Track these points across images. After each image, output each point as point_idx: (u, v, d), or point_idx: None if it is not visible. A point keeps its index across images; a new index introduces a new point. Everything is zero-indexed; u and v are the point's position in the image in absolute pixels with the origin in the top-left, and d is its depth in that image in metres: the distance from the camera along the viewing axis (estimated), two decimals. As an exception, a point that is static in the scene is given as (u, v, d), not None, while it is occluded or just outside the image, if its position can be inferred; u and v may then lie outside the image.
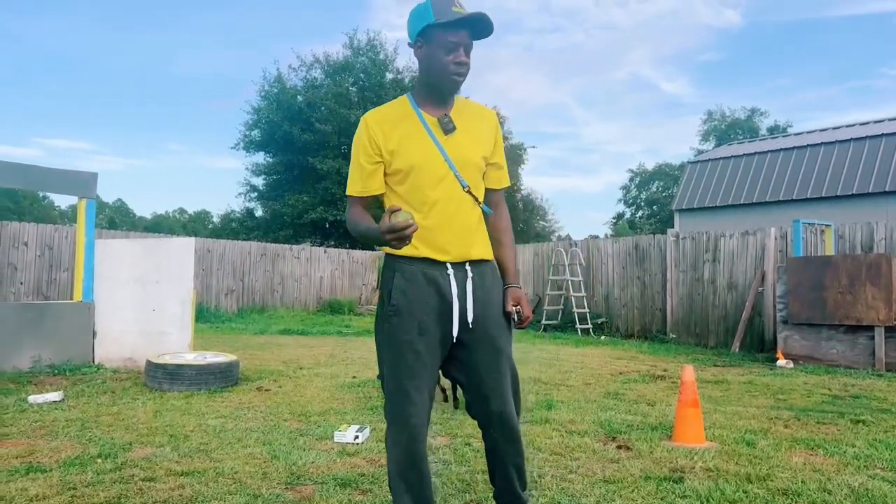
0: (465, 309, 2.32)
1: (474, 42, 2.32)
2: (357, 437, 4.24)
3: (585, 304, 13.44)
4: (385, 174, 2.35)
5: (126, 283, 7.17)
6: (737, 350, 10.74)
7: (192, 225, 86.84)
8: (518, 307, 2.45)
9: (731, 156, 14.91)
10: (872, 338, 8.58)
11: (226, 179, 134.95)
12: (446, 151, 2.31)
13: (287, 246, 18.68)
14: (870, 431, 4.89)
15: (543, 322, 13.68)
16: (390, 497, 3.18)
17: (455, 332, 2.32)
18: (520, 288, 2.53)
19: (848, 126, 14.88)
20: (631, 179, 48.03)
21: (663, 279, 12.44)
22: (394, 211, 2.00)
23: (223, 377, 6.15)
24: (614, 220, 49.99)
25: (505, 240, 2.54)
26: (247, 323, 14.52)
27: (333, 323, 14.83)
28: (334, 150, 25.68)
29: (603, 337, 12.74)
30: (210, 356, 6.52)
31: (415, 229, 1.98)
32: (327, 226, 26.08)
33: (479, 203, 2.42)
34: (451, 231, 2.33)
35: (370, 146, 2.31)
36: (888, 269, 8.45)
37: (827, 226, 10.13)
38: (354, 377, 7.04)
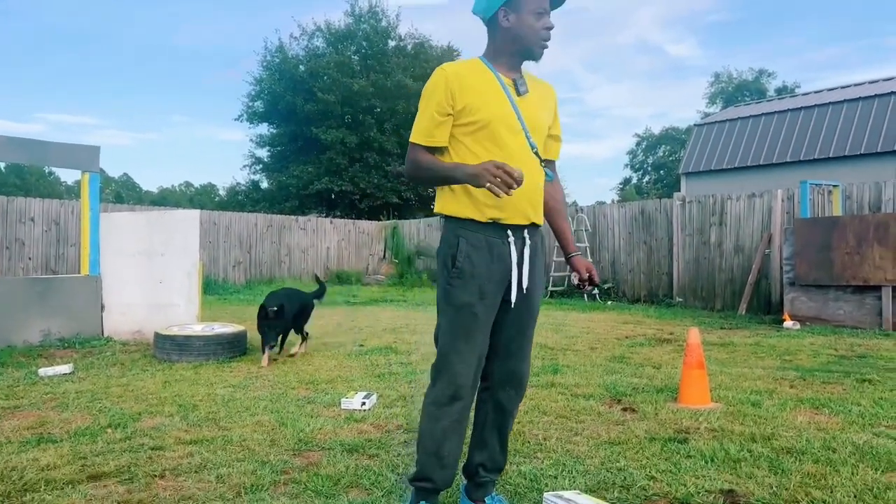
0: (522, 276, 2.41)
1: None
2: (364, 403, 4.27)
3: (592, 269, 13.40)
4: (456, 126, 2.33)
5: (132, 257, 7.19)
6: (743, 313, 10.74)
7: (199, 198, 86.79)
8: (590, 274, 2.58)
9: (738, 117, 14.71)
10: (880, 298, 8.56)
11: (231, 151, 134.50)
12: (520, 111, 2.36)
13: (293, 217, 18.69)
14: (875, 390, 4.89)
15: (550, 288, 13.69)
16: (397, 461, 3.22)
17: (513, 299, 2.40)
18: (580, 255, 2.68)
19: (856, 85, 14.65)
20: (638, 144, 47.66)
21: (669, 243, 12.40)
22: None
23: (231, 347, 6.20)
24: (621, 186, 49.74)
25: (563, 210, 2.64)
26: (255, 294, 14.57)
27: (341, 293, 14.87)
28: (338, 119, 25.54)
29: (609, 302, 12.75)
30: (218, 327, 6.57)
31: (521, 184, 2.07)
32: (333, 196, 26.06)
33: (544, 165, 2.46)
34: (519, 190, 2.31)
35: (445, 96, 2.29)
36: (896, 229, 8.39)
37: (835, 186, 10.05)
38: (362, 345, 7.08)
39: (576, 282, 2.61)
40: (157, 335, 6.17)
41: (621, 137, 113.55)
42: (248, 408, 4.33)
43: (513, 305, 2.40)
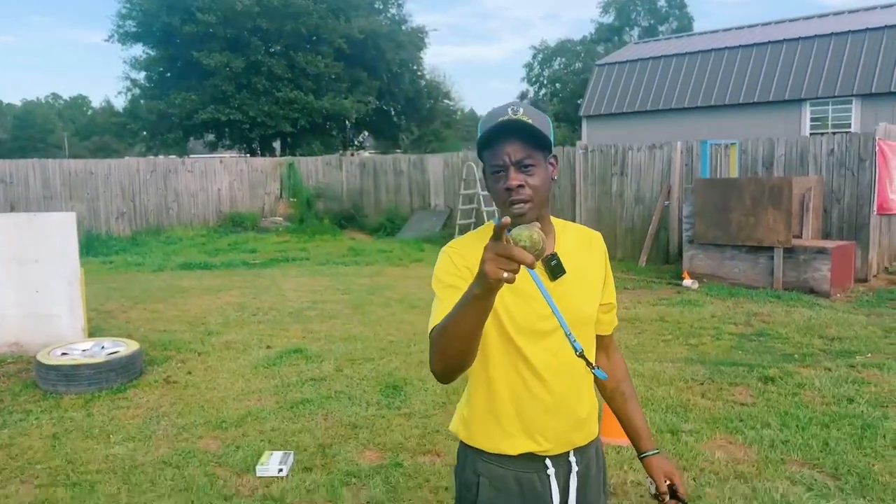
0: None
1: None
2: (281, 469, 4.02)
3: (497, 216, 13.35)
4: None
5: (2, 264, 6.42)
6: (644, 264, 11.04)
7: (69, 112, 79.98)
8: (671, 483, 1.91)
9: (639, 58, 14.68)
10: (772, 258, 8.96)
11: (102, 58, 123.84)
12: (555, 303, 1.71)
13: (179, 159, 17.50)
14: (779, 395, 5.11)
15: (457, 236, 13.56)
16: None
17: None
18: (661, 454, 1.97)
19: (749, 26, 14.85)
20: (534, 56, 47.39)
21: (573, 192, 12.45)
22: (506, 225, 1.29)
23: (125, 372, 5.71)
24: (519, 99, 49.64)
25: (627, 390, 1.99)
26: (143, 252, 13.68)
27: (237, 247, 14.20)
28: (220, 42, 23.68)
29: (514, 250, 12.79)
30: (109, 345, 6.03)
31: (540, 252, 1.34)
32: (220, 126, 24.56)
33: (593, 367, 1.80)
34: (557, 412, 1.76)
35: (465, 274, 1.66)
36: (789, 193, 8.70)
37: (732, 144, 10.26)
38: (269, 347, 6.73)
39: (652, 491, 1.92)
40: (39, 364, 5.58)
41: (516, 39, 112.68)
42: (153, 481, 3.99)
43: None
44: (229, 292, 9.56)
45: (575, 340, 1.73)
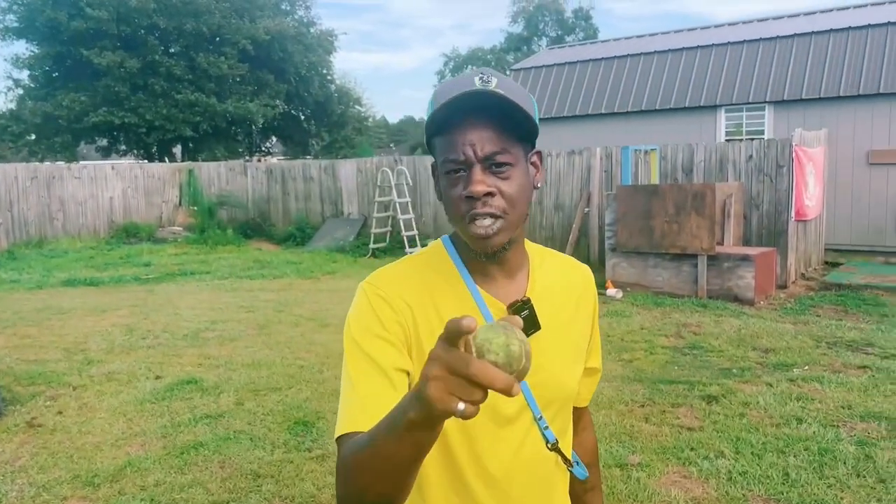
0: None
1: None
2: (164, 540, 3.27)
3: (414, 225, 12.79)
4: None
5: None
6: (566, 273, 10.71)
7: (-53, 115, 74.13)
8: None
9: (554, 63, 14.44)
10: (696, 266, 8.77)
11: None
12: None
13: (64, 165, 16.02)
14: (726, 416, 4.75)
15: (371, 246, 12.91)
16: None
17: None
18: None
19: (663, 33, 14.95)
20: (445, 64, 47.38)
21: (491, 199, 12.04)
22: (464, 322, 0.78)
23: (-23, 416, 4.76)
24: (429, 106, 49.42)
25: (592, 478, 1.45)
26: (21, 267, 12.28)
27: (130, 260, 12.99)
28: (113, 40, 22.09)
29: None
30: (-44, 383, 5.05)
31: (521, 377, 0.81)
32: (114, 131, 22.91)
33: (570, 464, 1.30)
34: None
35: (393, 337, 1.13)
36: (712, 200, 8.53)
37: (652, 150, 10.08)
38: (159, 378, 5.87)
39: None
40: None
41: (427, 48, 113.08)
42: (-4, 565, 3.16)
43: None
44: (116, 312, 8.54)
45: (547, 428, 1.22)
